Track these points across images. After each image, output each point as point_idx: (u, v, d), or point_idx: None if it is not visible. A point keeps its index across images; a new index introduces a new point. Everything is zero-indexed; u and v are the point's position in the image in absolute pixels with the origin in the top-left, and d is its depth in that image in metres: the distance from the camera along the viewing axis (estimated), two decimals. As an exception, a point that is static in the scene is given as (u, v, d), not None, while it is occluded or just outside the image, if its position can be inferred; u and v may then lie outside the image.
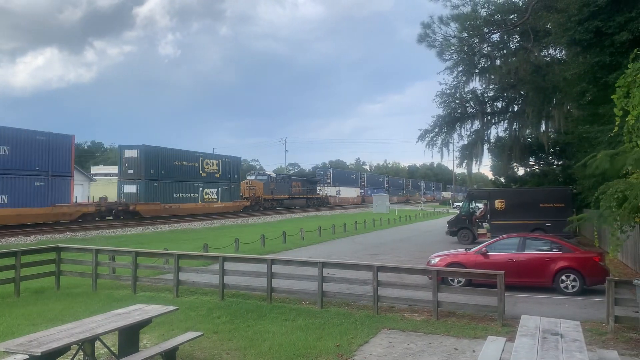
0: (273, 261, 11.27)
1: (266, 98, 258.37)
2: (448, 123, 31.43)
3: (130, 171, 36.29)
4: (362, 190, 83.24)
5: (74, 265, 13.06)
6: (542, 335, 5.86)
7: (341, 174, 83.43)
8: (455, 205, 68.75)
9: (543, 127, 31.02)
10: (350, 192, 77.88)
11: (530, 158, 36.85)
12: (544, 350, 5.28)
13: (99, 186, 56.92)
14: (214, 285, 11.45)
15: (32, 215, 28.05)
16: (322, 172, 78.73)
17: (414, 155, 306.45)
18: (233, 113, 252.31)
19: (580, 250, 13.08)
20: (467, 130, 32.39)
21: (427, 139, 31.62)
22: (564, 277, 12.37)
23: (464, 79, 30.13)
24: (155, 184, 36.92)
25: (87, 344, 6.11)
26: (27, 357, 5.45)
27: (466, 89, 31.31)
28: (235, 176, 47.54)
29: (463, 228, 25.29)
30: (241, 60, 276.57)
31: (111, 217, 34.78)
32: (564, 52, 24.56)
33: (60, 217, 30.03)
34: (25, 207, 27.46)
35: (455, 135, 32.63)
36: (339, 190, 75.29)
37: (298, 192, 61.18)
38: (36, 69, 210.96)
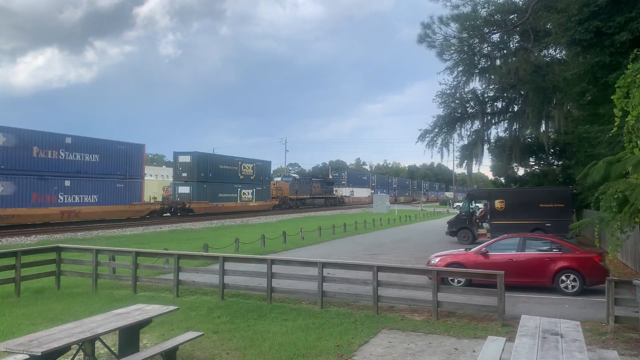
0: (273, 261, 11.27)
1: (266, 98, 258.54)
2: (448, 123, 31.41)
3: (184, 174, 41.90)
4: (373, 191, 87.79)
5: (74, 265, 13.07)
6: (542, 335, 5.87)
7: (354, 175, 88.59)
8: (455, 206, 68.96)
9: (543, 127, 31.03)
10: (362, 193, 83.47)
11: (530, 158, 36.85)
12: (544, 350, 5.28)
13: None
14: (214, 285, 11.46)
15: (115, 212, 33.65)
16: (337, 174, 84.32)
17: (414, 155, 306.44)
18: (233, 113, 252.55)
19: (580, 250, 13.08)
20: (467, 130, 32.39)
21: (427, 139, 31.61)
22: (563, 277, 12.38)
23: (464, 79, 30.11)
24: (205, 186, 42.52)
25: (88, 344, 6.11)
26: (27, 356, 5.46)
27: (466, 89, 31.31)
28: (267, 178, 54.33)
29: (463, 228, 25.30)
30: (241, 60, 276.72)
31: (169, 214, 39.39)
32: (564, 52, 24.54)
33: (134, 213, 35.41)
34: (110, 205, 33.00)
35: (455, 136, 32.64)
36: (353, 191, 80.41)
37: (318, 192, 66.90)
38: (36, 68, 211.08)
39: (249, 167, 49.52)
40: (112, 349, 6.98)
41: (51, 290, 12.11)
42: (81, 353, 6.54)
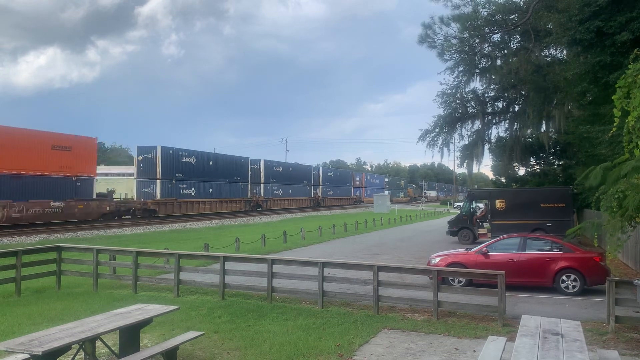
0: (274, 261, 11.27)
1: (268, 97, 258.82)
2: (449, 123, 31.41)
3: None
4: (437, 192, 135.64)
5: (74, 265, 13.08)
6: (542, 335, 5.87)
7: (431, 183, 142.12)
8: (455, 205, 69.09)
9: (544, 127, 31.05)
10: (433, 193, 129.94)
11: (531, 158, 36.83)
12: (545, 350, 5.28)
13: (99, 185, 57.49)
14: (215, 284, 11.46)
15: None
16: (422, 183, 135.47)
17: (415, 154, 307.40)
18: (235, 112, 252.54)
19: (581, 250, 13.07)
20: (467, 130, 32.40)
21: (427, 139, 31.62)
22: (564, 277, 12.37)
23: (464, 79, 30.10)
24: (392, 191, 73.51)
25: (88, 344, 6.12)
26: (27, 356, 5.47)
27: (467, 89, 31.32)
28: (407, 186, 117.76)
29: (464, 228, 25.28)
30: (244, 60, 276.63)
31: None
32: (564, 52, 24.54)
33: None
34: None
35: (456, 135, 32.66)
36: (429, 192, 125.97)
37: (419, 193, 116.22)
38: (38, 68, 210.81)
39: (402, 182, 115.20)
40: (112, 348, 6.98)
41: (52, 290, 12.12)
42: (82, 352, 6.54)
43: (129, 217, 36.00)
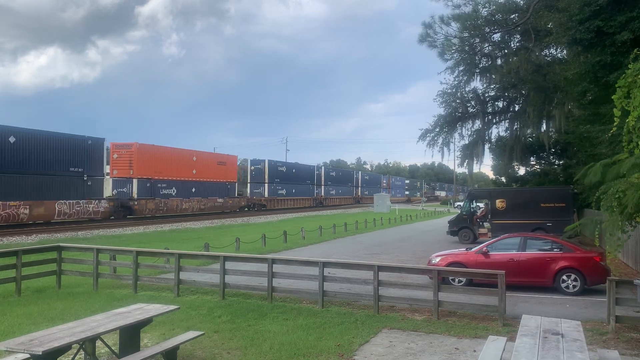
0: (274, 261, 11.27)
1: (268, 97, 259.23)
2: (449, 123, 31.40)
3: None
4: (445, 193, 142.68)
5: (75, 265, 13.08)
6: (543, 335, 5.87)
7: (441, 184, 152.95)
8: (455, 205, 69.21)
9: (544, 127, 31.06)
10: (443, 193, 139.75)
11: (531, 158, 36.85)
12: (545, 350, 5.28)
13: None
14: (215, 284, 11.46)
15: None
16: (434, 183, 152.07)
17: (415, 154, 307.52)
18: (235, 112, 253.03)
19: (581, 250, 13.05)
20: (468, 129, 32.41)
21: (427, 138, 31.62)
22: (564, 277, 12.36)
23: (464, 78, 30.10)
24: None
25: (88, 343, 6.12)
26: (28, 356, 5.47)
27: (467, 89, 31.33)
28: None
29: (464, 228, 25.27)
30: (244, 60, 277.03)
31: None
32: (565, 51, 24.54)
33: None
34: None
35: (456, 135, 32.67)
36: (438, 193, 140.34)
37: (432, 193, 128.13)
38: (39, 68, 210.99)
39: (418, 183, 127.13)
40: (112, 348, 6.98)
41: (52, 290, 12.12)
42: (82, 352, 6.54)
43: (247, 209, 50.85)
